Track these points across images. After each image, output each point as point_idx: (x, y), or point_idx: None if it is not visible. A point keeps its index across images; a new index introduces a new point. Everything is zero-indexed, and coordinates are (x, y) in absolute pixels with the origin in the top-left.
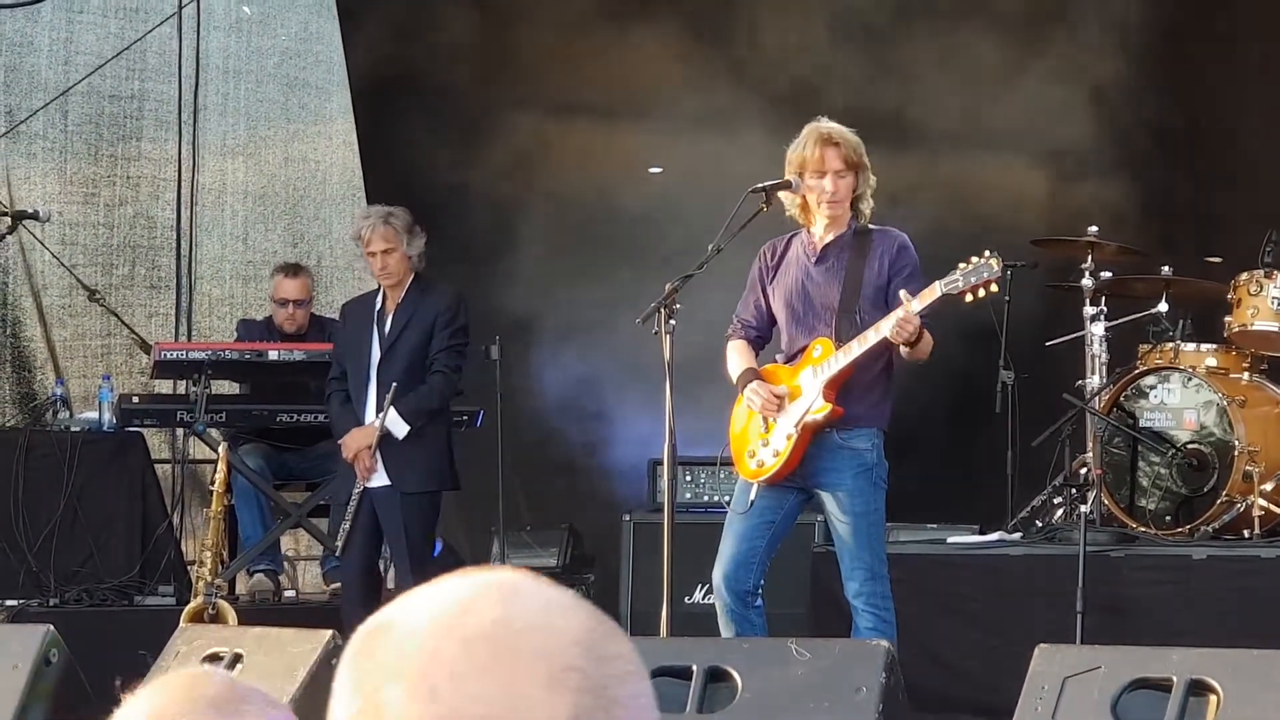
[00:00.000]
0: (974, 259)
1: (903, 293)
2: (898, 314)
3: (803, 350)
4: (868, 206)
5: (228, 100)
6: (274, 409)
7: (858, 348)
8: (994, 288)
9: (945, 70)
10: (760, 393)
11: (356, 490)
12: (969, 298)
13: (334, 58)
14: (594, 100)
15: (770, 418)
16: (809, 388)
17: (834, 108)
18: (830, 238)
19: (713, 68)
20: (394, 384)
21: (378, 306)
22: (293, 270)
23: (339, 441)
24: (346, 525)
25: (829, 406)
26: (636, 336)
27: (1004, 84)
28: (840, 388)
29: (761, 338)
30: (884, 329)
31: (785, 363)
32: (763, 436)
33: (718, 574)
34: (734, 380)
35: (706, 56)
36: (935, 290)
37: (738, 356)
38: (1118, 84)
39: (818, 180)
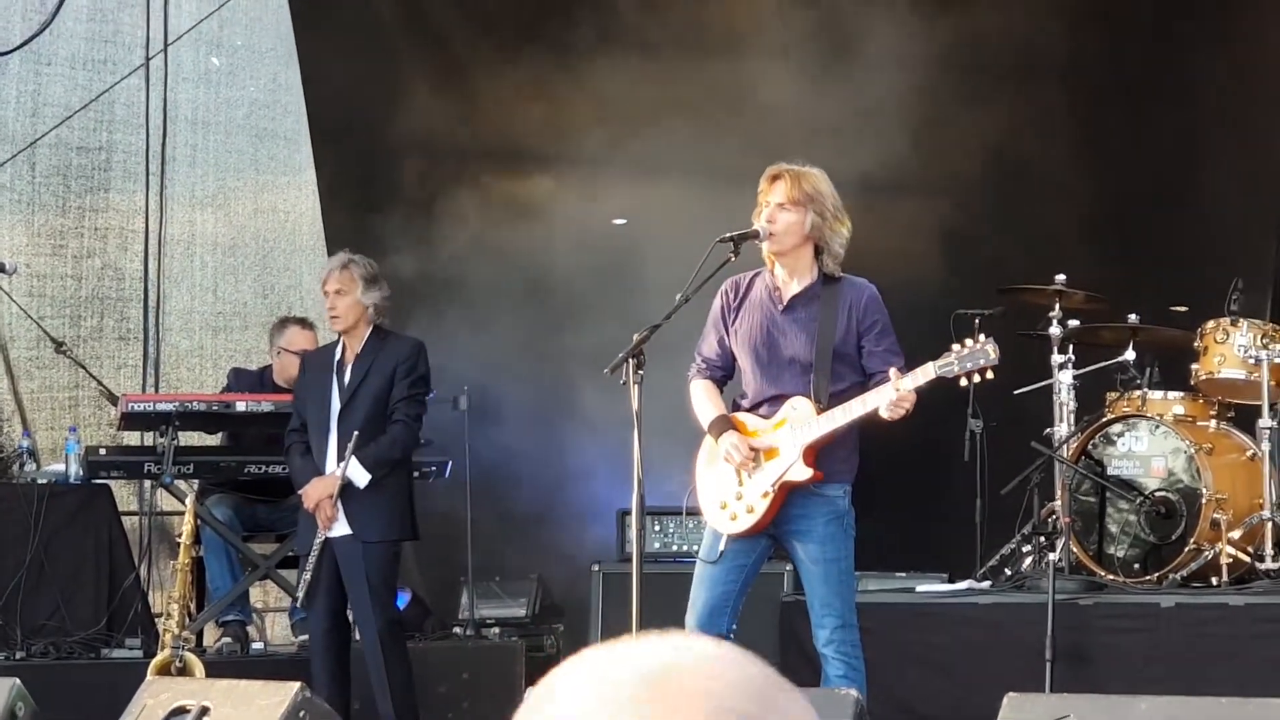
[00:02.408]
0: (969, 342)
1: (893, 371)
2: (889, 393)
3: (770, 401)
4: (832, 256)
5: (196, 151)
6: (243, 460)
7: (842, 417)
8: (989, 374)
9: (909, 116)
10: (741, 449)
11: (318, 540)
12: (963, 381)
13: (303, 109)
14: (558, 151)
15: (745, 471)
16: (787, 448)
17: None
18: (798, 287)
19: (683, 116)
20: (355, 433)
21: (337, 356)
22: (306, 323)
23: (300, 492)
24: (307, 576)
25: (811, 471)
26: (605, 386)
27: (967, 128)
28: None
29: (726, 377)
30: (872, 403)
31: (750, 409)
32: (736, 489)
33: (691, 620)
34: (704, 424)
35: (674, 104)
36: (929, 371)
37: (706, 400)
38: (1081, 132)
39: (764, 213)
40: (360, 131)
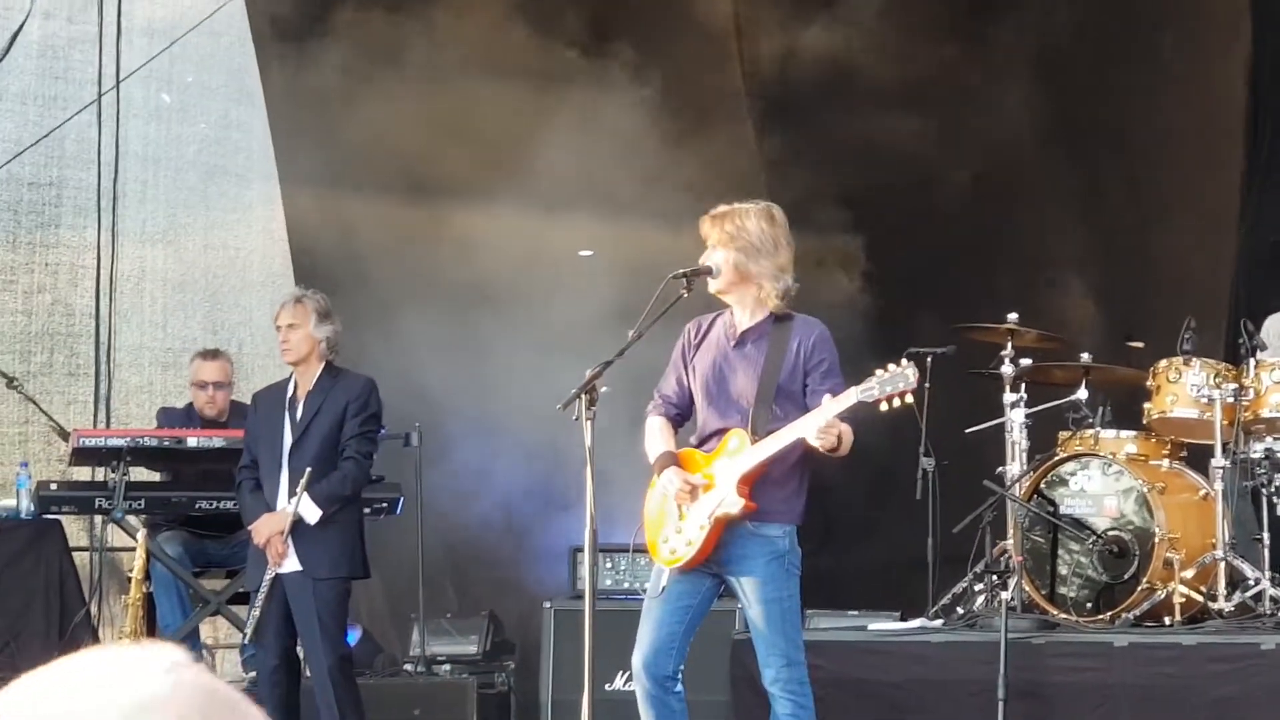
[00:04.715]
0: (891, 366)
1: (826, 396)
2: (817, 419)
3: (715, 435)
4: (773, 290)
5: (147, 188)
6: (194, 496)
7: (773, 445)
8: (909, 398)
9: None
10: (675, 481)
11: (268, 576)
12: (884, 406)
13: (254, 146)
14: (526, 183)
15: (684, 505)
16: (723, 480)
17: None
18: (750, 323)
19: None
20: (307, 469)
21: (289, 393)
22: (211, 354)
23: (249, 528)
24: (256, 612)
25: (743, 503)
26: (557, 422)
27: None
28: (755, 481)
29: (682, 415)
30: (800, 429)
31: (698, 445)
32: (677, 524)
33: (637, 659)
34: (650, 461)
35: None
36: (851, 396)
37: (657, 436)
38: (1033, 175)
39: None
40: (331, 166)
